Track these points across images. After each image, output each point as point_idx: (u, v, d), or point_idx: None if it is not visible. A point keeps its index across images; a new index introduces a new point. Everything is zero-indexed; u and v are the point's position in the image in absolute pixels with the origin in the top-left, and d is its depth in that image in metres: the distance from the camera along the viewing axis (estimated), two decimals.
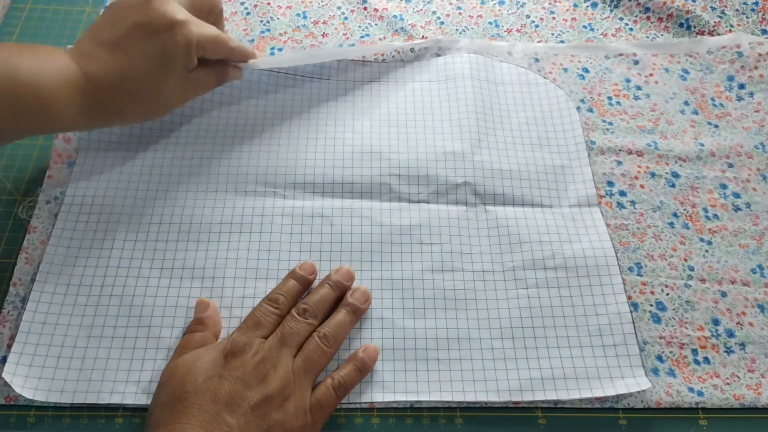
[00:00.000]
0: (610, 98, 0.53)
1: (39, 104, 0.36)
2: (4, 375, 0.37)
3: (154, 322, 0.40)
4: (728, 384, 0.40)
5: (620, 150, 0.50)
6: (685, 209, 0.47)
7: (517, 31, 0.57)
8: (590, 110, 0.52)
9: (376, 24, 0.57)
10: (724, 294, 0.44)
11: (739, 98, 0.54)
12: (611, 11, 0.59)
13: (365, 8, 0.58)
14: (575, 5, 0.60)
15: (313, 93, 0.51)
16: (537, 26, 0.58)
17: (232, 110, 0.50)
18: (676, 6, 0.58)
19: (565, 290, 0.42)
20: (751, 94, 0.54)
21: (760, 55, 0.55)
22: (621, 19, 0.59)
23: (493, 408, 0.39)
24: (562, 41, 0.57)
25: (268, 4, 0.58)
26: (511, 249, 0.44)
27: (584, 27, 0.58)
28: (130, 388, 0.38)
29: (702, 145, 0.51)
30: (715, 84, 0.55)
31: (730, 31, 0.57)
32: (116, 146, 0.47)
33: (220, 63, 0.43)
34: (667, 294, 0.44)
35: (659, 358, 0.41)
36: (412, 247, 0.44)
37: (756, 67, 0.55)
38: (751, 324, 0.43)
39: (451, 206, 0.46)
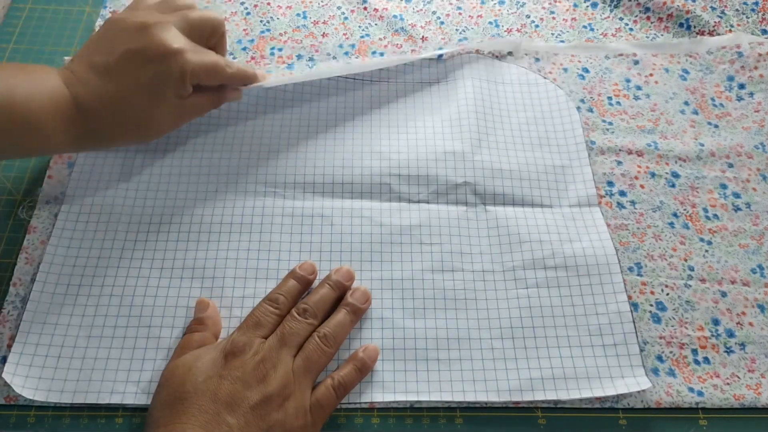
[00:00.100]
0: (610, 98, 0.53)
1: (26, 128, 0.36)
2: (4, 375, 0.37)
3: (154, 322, 0.40)
4: (728, 384, 0.40)
5: (620, 150, 0.50)
6: (685, 209, 0.47)
7: (517, 30, 0.57)
8: (590, 110, 0.52)
9: (376, 24, 0.57)
10: (724, 294, 0.44)
11: (739, 98, 0.54)
12: (611, 11, 0.59)
13: (365, 8, 0.58)
14: (575, 5, 0.60)
15: (312, 93, 0.51)
16: (537, 26, 0.58)
17: (231, 111, 0.50)
18: (676, 6, 0.58)
19: (565, 290, 0.42)
20: (751, 94, 0.54)
21: (760, 55, 0.55)
22: (621, 19, 0.59)
23: (493, 408, 0.39)
24: (562, 41, 0.57)
25: (268, 4, 0.58)
26: (511, 249, 0.44)
27: (584, 27, 0.58)
28: (130, 388, 0.38)
29: (702, 145, 0.51)
30: (715, 84, 0.55)
31: (730, 31, 0.57)
32: None
33: (217, 86, 0.42)
34: (667, 294, 0.44)
35: (659, 358, 0.41)
36: (412, 247, 0.44)
37: (756, 67, 0.55)
38: (751, 324, 0.43)
39: (451, 206, 0.46)
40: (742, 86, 0.54)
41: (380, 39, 0.56)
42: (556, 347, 0.40)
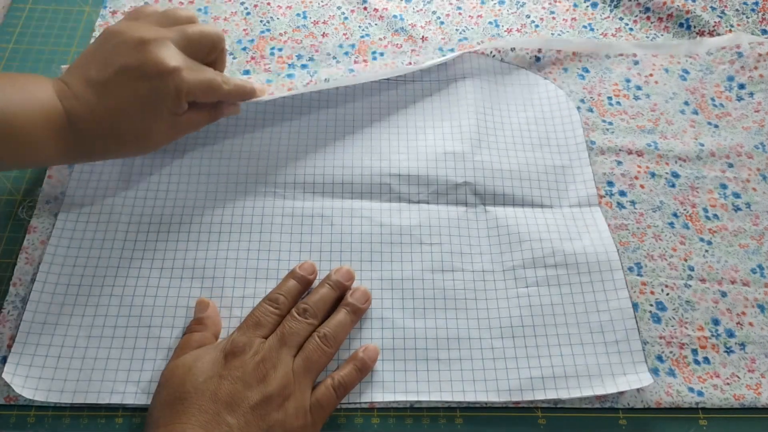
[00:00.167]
0: (610, 98, 0.53)
1: (17, 142, 0.36)
2: (4, 375, 0.37)
3: (154, 322, 0.40)
4: (728, 384, 0.40)
5: (620, 150, 0.50)
6: (685, 209, 0.47)
7: (517, 30, 0.57)
8: (590, 110, 0.52)
9: (376, 24, 0.57)
10: (724, 294, 0.44)
11: (739, 98, 0.54)
12: (611, 11, 0.59)
13: (365, 8, 0.58)
14: (575, 5, 0.60)
15: (312, 93, 0.51)
16: (537, 26, 0.58)
17: None
18: (676, 6, 0.58)
19: (566, 287, 0.42)
20: (751, 94, 0.54)
21: (760, 55, 0.55)
22: (621, 19, 0.59)
23: (493, 408, 0.39)
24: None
25: (268, 4, 0.58)
26: (511, 248, 0.44)
27: (584, 27, 0.58)
28: (130, 388, 0.38)
29: (702, 145, 0.51)
30: (715, 84, 0.55)
31: (730, 31, 0.57)
32: None
33: (215, 102, 0.42)
34: (667, 294, 0.44)
35: (659, 358, 0.41)
36: (412, 247, 0.44)
37: (756, 67, 0.55)
38: (751, 324, 0.43)
39: (451, 206, 0.46)
40: (742, 86, 0.54)
41: (380, 39, 0.56)
42: (557, 345, 0.40)
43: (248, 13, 0.57)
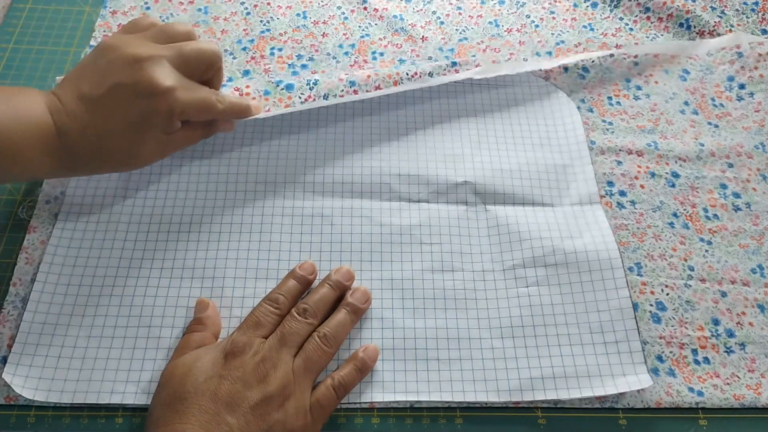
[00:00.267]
0: (610, 98, 0.53)
1: (5, 157, 0.35)
2: (4, 375, 0.37)
3: (154, 322, 0.40)
4: (728, 384, 0.40)
5: (620, 150, 0.50)
6: (685, 209, 0.47)
7: (517, 30, 0.57)
8: (590, 110, 0.52)
9: (376, 24, 0.57)
10: (724, 294, 0.44)
11: (739, 98, 0.54)
12: (611, 11, 0.59)
13: (365, 8, 0.58)
14: (575, 5, 0.60)
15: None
16: (537, 26, 0.58)
17: None
18: (676, 6, 0.58)
19: (566, 287, 0.42)
20: (751, 94, 0.54)
21: (760, 55, 0.55)
22: (621, 19, 0.59)
23: (493, 408, 0.39)
24: (562, 41, 0.56)
25: (268, 4, 0.58)
26: (511, 247, 0.44)
27: (584, 27, 0.58)
28: (130, 388, 0.38)
29: (702, 145, 0.51)
30: (715, 84, 0.55)
31: (730, 31, 0.57)
32: None
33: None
34: (667, 294, 0.44)
35: (659, 358, 0.41)
36: (412, 247, 0.44)
37: (756, 68, 0.55)
38: (751, 324, 0.43)
39: (451, 206, 0.46)
40: (742, 86, 0.54)
41: (380, 39, 0.56)
42: (557, 345, 0.40)
43: (248, 13, 0.57)
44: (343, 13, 0.58)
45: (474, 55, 0.55)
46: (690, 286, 0.44)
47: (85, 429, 0.37)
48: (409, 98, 0.51)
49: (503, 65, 0.50)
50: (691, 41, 0.57)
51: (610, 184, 0.48)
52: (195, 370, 0.35)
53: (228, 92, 0.43)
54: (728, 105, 0.53)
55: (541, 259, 0.43)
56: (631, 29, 0.58)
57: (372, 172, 0.47)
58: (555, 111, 0.52)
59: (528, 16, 0.59)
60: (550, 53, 0.55)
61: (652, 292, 0.43)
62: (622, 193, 0.48)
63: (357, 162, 0.47)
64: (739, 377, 0.41)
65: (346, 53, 0.55)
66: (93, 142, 0.37)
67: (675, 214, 0.47)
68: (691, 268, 0.45)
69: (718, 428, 0.39)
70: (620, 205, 0.47)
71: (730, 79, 0.55)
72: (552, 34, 0.57)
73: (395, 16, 0.57)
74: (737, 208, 0.48)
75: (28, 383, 0.37)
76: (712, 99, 0.54)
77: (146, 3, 0.57)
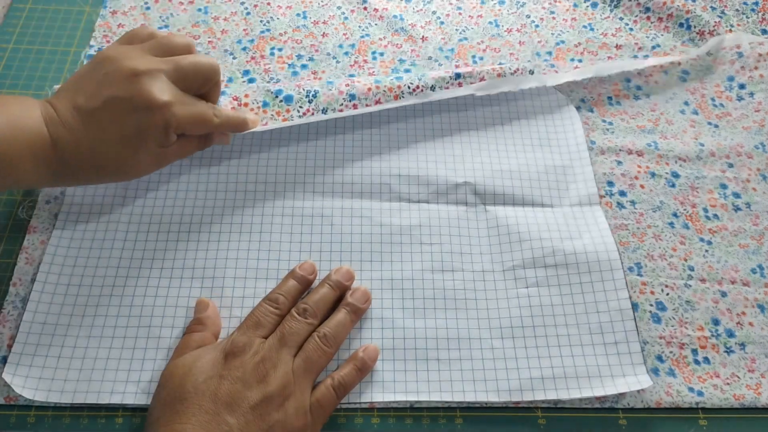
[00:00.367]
0: (610, 98, 0.53)
1: (1, 167, 0.35)
2: (4, 375, 0.37)
3: (154, 322, 0.40)
4: (728, 384, 0.40)
5: (620, 150, 0.50)
6: (685, 209, 0.47)
7: (517, 31, 0.57)
8: (590, 110, 0.52)
9: (376, 24, 0.57)
10: (724, 294, 0.44)
11: (740, 98, 0.54)
12: (611, 11, 0.59)
13: (365, 8, 0.58)
14: (575, 5, 0.60)
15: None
16: (537, 26, 0.58)
17: None
18: (676, 6, 0.58)
19: (565, 287, 0.42)
20: (752, 94, 0.54)
21: (760, 55, 0.55)
22: (621, 19, 0.59)
23: (493, 408, 0.39)
24: (562, 41, 0.56)
25: (268, 4, 0.58)
26: (511, 248, 0.44)
27: (584, 27, 0.58)
28: (130, 388, 0.38)
29: (702, 145, 0.51)
30: (715, 84, 0.55)
31: (730, 31, 0.57)
32: None
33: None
34: (667, 294, 0.44)
35: (659, 358, 0.41)
36: (412, 247, 0.44)
37: (756, 67, 0.55)
38: (751, 324, 0.43)
39: (451, 206, 0.46)
40: (742, 86, 0.54)
41: (380, 39, 0.56)
42: (557, 346, 0.40)
43: (248, 13, 0.57)
44: (343, 13, 0.58)
45: (474, 56, 0.55)
46: (690, 286, 0.44)
47: (85, 429, 0.37)
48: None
49: (507, 80, 0.49)
50: (694, 47, 0.56)
51: (610, 184, 0.48)
52: (195, 370, 0.35)
53: (225, 104, 0.43)
54: (728, 105, 0.53)
55: (541, 259, 0.43)
56: (631, 29, 0.58)
57: (372, 172, 0.47)
58: (555, 112, 0.52)
59: (528, 16, 0.59)
60: (550, 53, 0.55)
61: (652, 292, 0.43)
62: (622, 193, 0.48)
63: (357, 162, 0.47)
64: (739, 377, 0.41)
65: (346, 53, 0.55)
66: (87, 153, 0.37)
67: (675, 214, 0.47)
68: (691, 268, 0.45)
69: (718, 428, 0.39)
70: (620, 205, 0.47)
71: (730, 79, 0.55)
72: (552, 34, 0.57)
73: (395, 16, 0.57)
74: (737, 208, 0.48)
75: (28, 383, 0.37)
76: (712, 99, 0.54)
77: (146, 3, 0.57)
